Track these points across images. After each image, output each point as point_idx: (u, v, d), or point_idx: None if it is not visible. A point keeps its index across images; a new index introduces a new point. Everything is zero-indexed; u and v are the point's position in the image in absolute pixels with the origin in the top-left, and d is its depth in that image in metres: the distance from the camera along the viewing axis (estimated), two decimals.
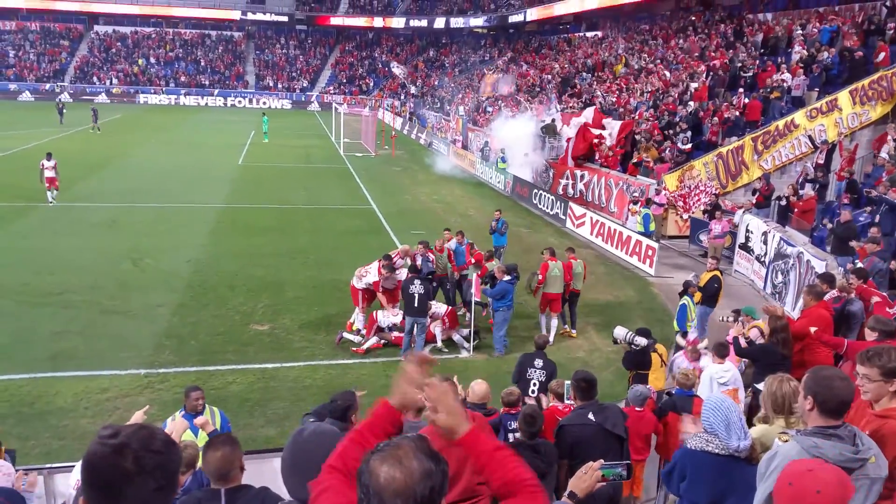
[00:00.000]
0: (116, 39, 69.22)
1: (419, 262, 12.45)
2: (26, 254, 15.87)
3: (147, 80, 65.09)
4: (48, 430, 8.49)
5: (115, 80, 64.19)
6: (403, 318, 11.54)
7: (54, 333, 11.54)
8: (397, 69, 57.16)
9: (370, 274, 12.06)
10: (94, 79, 63.93)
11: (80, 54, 67.05)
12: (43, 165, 20.68)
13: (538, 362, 8.25)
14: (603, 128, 22.99)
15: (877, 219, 13.05)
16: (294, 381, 10.30)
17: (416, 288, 11.07)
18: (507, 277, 11.54)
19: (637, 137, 22.86)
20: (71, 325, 11.92)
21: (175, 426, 4.68)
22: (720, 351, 7.49)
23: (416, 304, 11.03)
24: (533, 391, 7.96)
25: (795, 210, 15.90)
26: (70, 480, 4.76)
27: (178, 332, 11.90)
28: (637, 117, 24.50)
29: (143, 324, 12.23)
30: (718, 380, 7.09)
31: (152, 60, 67.81)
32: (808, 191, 16.38)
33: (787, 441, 3.12)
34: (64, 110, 44.81)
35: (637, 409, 6.46)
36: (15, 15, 67.35)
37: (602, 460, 2.89)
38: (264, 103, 62.93)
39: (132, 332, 11.80)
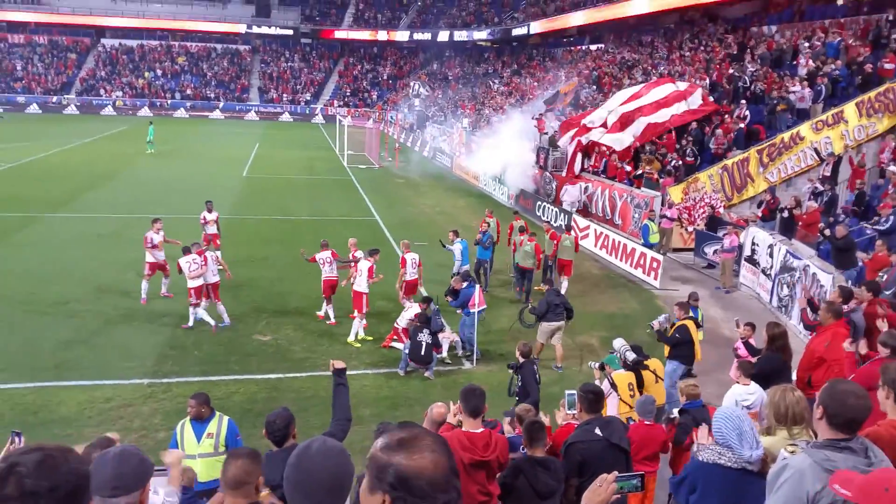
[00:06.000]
0: (123, 53, 69.72)
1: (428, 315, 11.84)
2: (32, 264, 15.90)
3: (153, 93, 65.44)
4: (52, 439, 8.39)
5: (120, 93, 64.53)
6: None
7: (59, 343, 11.54)
8: (420, 87, 56.63)
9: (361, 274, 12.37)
10: (101, 91, 64.32)
11: (87, 67, 67.52)
12: (204, 219, 16.24)
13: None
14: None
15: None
16: (297, 391, 10.27)
17: (425, 337, 10.99)
18: (464, 285, 11.83)
19: (645, 147, 22.87)
20: (76, 335, 11.92)
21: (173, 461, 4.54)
22: (746, 370, 7.06)
23: (422, 353, 10.96)
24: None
25: (800, 223, 15.86)
26: None
27: (181, 343, 11.90)
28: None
29: (146, 334, 12.23)
30: (742, 402, 6.80)
31: (158, 73, 68.23)
32: (812, 203, 16.33)
33: (795, 453, 3.07)
34: None
35: (646, 422, 6.38)
36: (24, 28, 67.98)
37: (616, 472, 2.84)
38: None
39: (136, 342, 11.80)
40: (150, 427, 8.89)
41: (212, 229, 16.23)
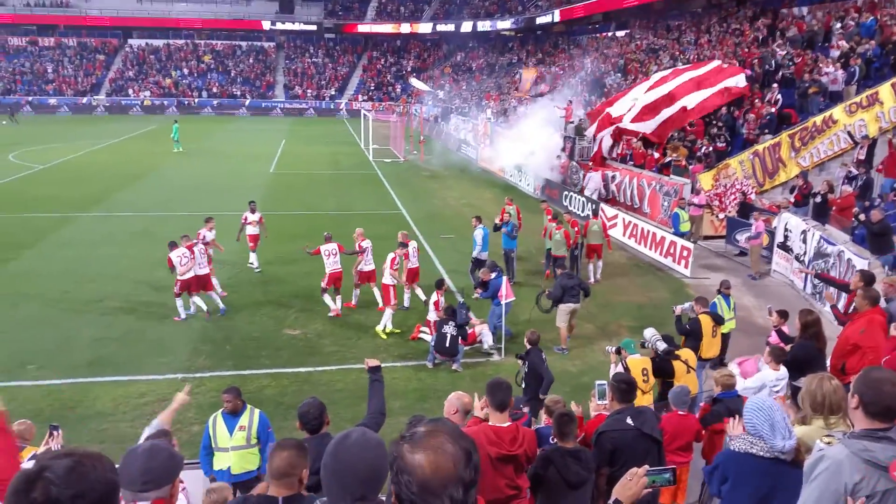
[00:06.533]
0: (150, 52, 70.71)
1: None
2: (67, 263, 16.25)
3: (180, 92, 66.33)
4: (89, 434, 8.65)
5: (148, 93, 65.53)
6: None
7: (94, 340, 11.80)
8: (419, 84, 56.80)
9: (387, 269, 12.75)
10: (129, 91, 65.37)
11: (115, 68, 68.65)
12: (245, 219, 15.96)
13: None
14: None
15: None
16: (326, 384, 10.37)
17: (450, 329, 11.01)
18: (493, 275, 11.95)
19: (672, 134, 22.52)
20: (109, 332, 12.17)
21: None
22: (778, 356, 7.07)
23: (447, 345, 10.98)
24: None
25: (834, 207, 15.51)
26: None
27: (212, 337, 12.08)
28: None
29: (178, 329, 12.43)
30: (773, 388, 6.74)
31: (185, 72, 69.09)
32: (846, 187, 15.95)
33: (831, 443, 3.01)
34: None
35: (679, 412, 6.29)
36: (53, 31, 69.35)
37: (647, 466, 2.80)
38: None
39: (168, 338, 12.00)
40: (185, 421, 9.03)
41: (252, 230, 15.86)
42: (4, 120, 50.68)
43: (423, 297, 13.33)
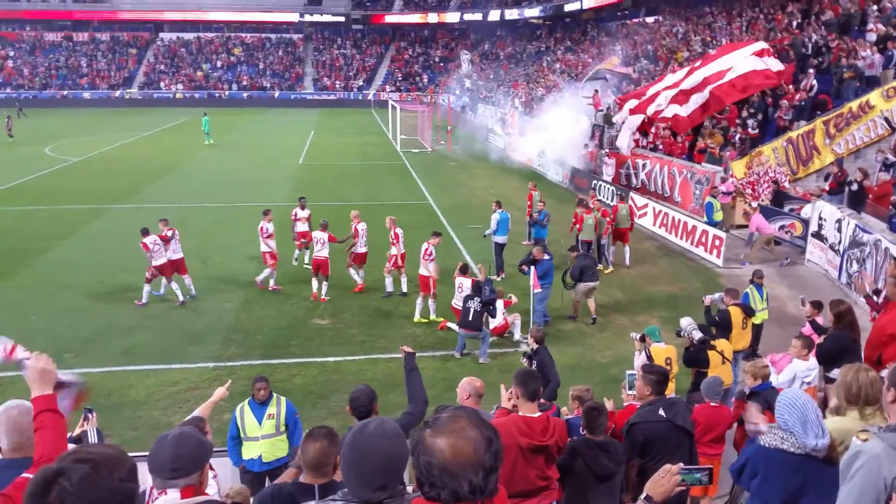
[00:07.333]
0: (181, 46, 71.60)
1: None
2: (101, 254, 16.60)
3: (211, 85, 67.04)
4: (123, 422, 8.84)
5: (180, 86, 66.39)
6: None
7: (128, 329, 12.05)
8: (465, 59, 56.73)
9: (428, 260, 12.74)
10: (161, 85, 66.29)
11: (147, 61, 69.66)
12: (295, 215, 15.53)
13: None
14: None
15: None
16: (355, 374, 10.44)
17: (475, 304, 11.04)
18: (546, 257, 12.17)
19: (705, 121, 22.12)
20: (143, 321, 12.42)
21: None
22: (807, 345, 6.94)
23: (470, 318, 11.02)
24: None
25: (870, 196, 15.11)
26: None
27: (244, 327, 12.25)
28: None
29: (211, 319, 12.63)
30: (804, 378, 6.60)
31: (217, 65, 69.81)
32: (884, 175, 15.52)
33: (867, 439, 2.94)
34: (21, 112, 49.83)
35: (712, 403, 6.20)
36: (87, 26, 70.65)
37: (682, 464, 2.78)
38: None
39: (201, 328, 12.20)
40: (216, 409, 9.14)
41: (302, 227, 15.37)
42: (24, 114, 51.34)
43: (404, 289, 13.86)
